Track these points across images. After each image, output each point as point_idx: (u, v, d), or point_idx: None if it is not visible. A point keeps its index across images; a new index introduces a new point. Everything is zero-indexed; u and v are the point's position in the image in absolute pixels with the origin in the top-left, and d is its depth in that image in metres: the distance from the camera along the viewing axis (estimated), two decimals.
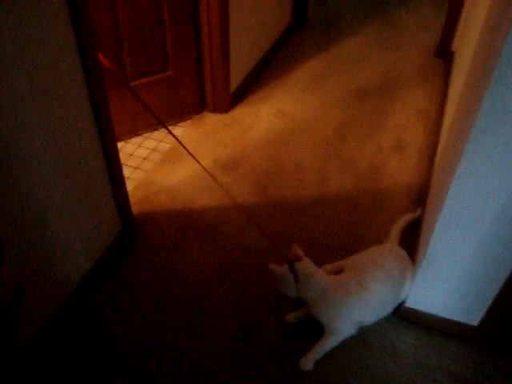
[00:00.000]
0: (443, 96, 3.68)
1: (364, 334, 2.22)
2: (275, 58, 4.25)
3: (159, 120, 2.26)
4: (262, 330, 2.27)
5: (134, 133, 3.39)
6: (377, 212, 2.85)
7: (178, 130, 3.45)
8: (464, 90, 2.42)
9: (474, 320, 2.16)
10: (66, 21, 1.88)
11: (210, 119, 3.57)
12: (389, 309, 2.24)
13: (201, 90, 3.52)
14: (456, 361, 2.16)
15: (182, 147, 2.35)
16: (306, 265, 2.13)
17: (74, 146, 2.10)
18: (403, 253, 2.34)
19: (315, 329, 2.19)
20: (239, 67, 3.65)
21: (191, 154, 2.33)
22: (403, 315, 2.29)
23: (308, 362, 2.11)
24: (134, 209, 2.79)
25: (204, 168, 2.44)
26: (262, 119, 3.58)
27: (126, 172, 3.04)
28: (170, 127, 3.39)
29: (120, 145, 3.30)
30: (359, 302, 2.14)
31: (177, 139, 2.28)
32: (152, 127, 3.42)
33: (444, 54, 4.14)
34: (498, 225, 1.78)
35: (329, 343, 2.15)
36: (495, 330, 2.17)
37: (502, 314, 2.09)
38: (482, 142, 1.60)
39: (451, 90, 3.37)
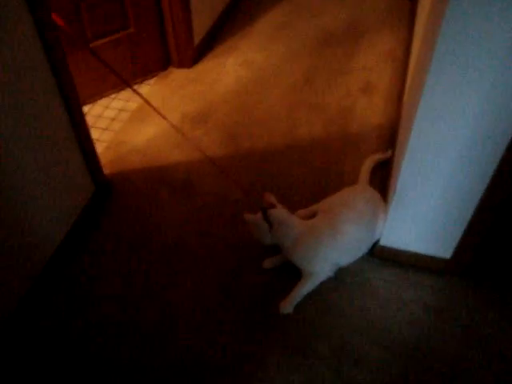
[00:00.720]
0: (409, 36, 3.66)
1: (341, 274, 2.26)
2: (238, 9, 4.16)
3: (123, 80, 2.22)
4: (241, 278, 2.31)
5: (100, 94, 3.33)
6: (348, 154, 2.87)
7: (144, 89, 3.40)
8: (425, 24, 2.41)
9: (447, 253, 2.22)
10: None
11: (176, 74, 3.53)
12: (364, 249, 2.29)
13: (164, 46, 3.46)
14: (431, 293, 2.22)
15: (148, 106, 2.32)
16: (279, 212, 2.15)
17: (37, 114, 2.08)
18: (374, 193, 2.37)
19: (293, 273, 2.23)
20: (202, 20, 3.58)
21: (158, 112, 2.30)
22: (378, 253, 2.34)
23: (287, 306, 2.16)
24: (107, 169, 2.78)
25: (172, 124, 2.42)
26: (228, 71, 3.54)
27: (95, 134, 3.01)
28: (135, 86, 3.36)
29: (87, 107, 3.26)
30: (333, 243, 2.18)
31: (142, 97, 2.25)
32: (118, 87, 3.36)
33: None
34: (463, 156, 1.80)
35: (307, 286, 2.19)
36: (467, 261, 2.23)
37: (472, 245, 2.15)
38: (443, 70, 1.60)
39: (417, 28, 3.35)
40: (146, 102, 2.33)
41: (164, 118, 2.36)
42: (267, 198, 2.18)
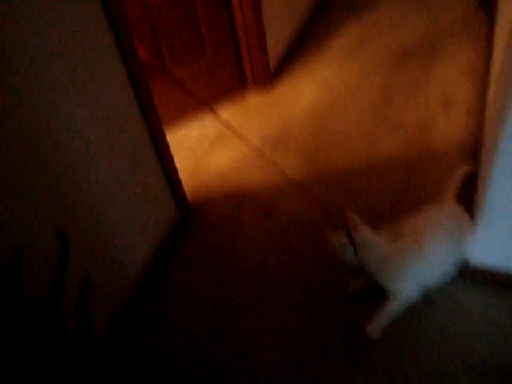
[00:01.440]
0: (489, 47, 3.56)
1: (430, 297, 2.20)
2: (312, 30, 4.20)
3: (205, 103, 2.29)
4: (326, 303, 2.30)
5: (180, 120, 3.42)
6: (430, 171, 2.81)
7: (222, 114, 3.47)
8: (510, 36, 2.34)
9: None
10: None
11: (253, 98, 3.58)
12: (450, 268, 2.22)
13: (241, 71, 3.53)
14: None
15: (228, 131, 2.38)
16: (364, 234, 2.13)
17: (124, 143, 2.18)
18: (460, 209, 2.31)
19: (380, 296, 2.19)
20: (277, 43, 3.64)
21: (238, 134, 2.35)
22: (468, 274, 2.26)
23: (376, 329, 2.12)
24: (190, 197, 2.85)
25: (253, 145, 2.45)
26: (305, 92, 3.56)
27: (178, 163, 3.09)
28: (215, 112, 3.44)
29: (168, 137, 3.35)
30: (420, 263, 2.12)
31: (224, 121, 2.31)
32: (197, 114, 3.44)
33: (486, 3, 3.99)
34: None
35: (393, 308, 2.15)
36: None
37: None
38: None
39: (497, 39, 3.25)
40: (227, 125, 2.39)
41: (244, 140, 2.40)
42: (351, 217, 2.16)
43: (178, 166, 2.67)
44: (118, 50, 2.06)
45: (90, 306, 1.90)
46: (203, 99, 3.37)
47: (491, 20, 3.72)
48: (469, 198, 2.48)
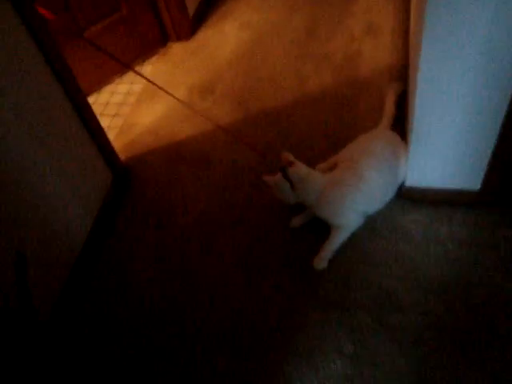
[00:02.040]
0: None
1: (371, 222, 2.23)
2: None
3: (123, 63, 2.21)
4: (271, 241, 2.30)
5: (103, 82, 3.31)
6: (361, 99, 2.80)
7: (146, 68, 3.37)
8: None
9: (476, 185, 2.16)
10: None
11: (176, 49, 3.48)
12: (390, 193, 2.24)
13: (159, 22, 3.40)
14: (465, 228, 2.17)
15: (153, 84, 2.30)
16: (299, 168, 2.12)
17: (43, 112, 2.09)
18: (393, 134, 2.32)
19: (323, 228, 2.20)
20: None
21: (163, 89, 2.28)
22: (406, 195, 2.28)
23: (321, 261, 2.14)
24: (122, 155, 2.77)
25: (177, 98, 2.38)
26: (227, 36, 3.47)
27: (106, 121, 3.00)
28: (137, 67, 3.34)
29: (93, 97, 3.25)
30: (359, 192, 2.14)
31: (145, 78, 2.23)
32: (120, 72, 3.34)
33: None
34: (478, 79, 1.73)
35: (338, 239, 2.16)
36: (497, 190, 2.16)
37: (499, 173, 2.08)
38: None
39: None
40: (150, 81, 2.31)
41: (169, 94, 2.33)
42: (285, 157, 2.14)
43: (105, 124, 2.58)
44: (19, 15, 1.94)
45: (35, 279, 1.85)
46: (124, 55, 3.25)
47: None
48: (402, 121, 2.50)
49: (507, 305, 1.92)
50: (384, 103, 2.57)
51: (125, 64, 2.19)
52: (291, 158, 2.15)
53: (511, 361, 1.77)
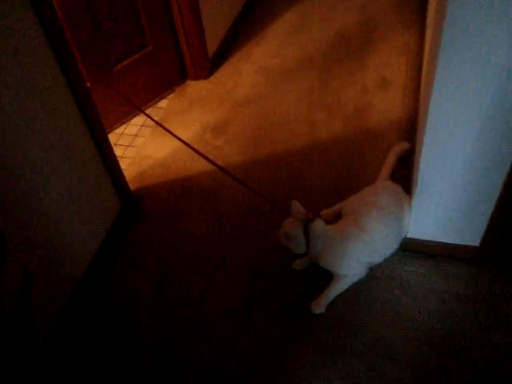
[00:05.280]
0: (422, 29, 3.65)
1: (371, 270, 2.26)
2: (250, 17, 4.20)
3: (136, 106, 2.29)
4: (271, 280, 2.33)
5: (121, 120, 3.37)
6: (369, 150, 2.87)
7: (163, 103, 3.45)
8: (434, 16, 2.41)
9: (475, 240, 2.20)
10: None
11: (193, 87, 3.57)
12: (394, 245, 2.27)
13: (180, 60, 3.51)
14: (463, 282, 2.21)
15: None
16: (318, 225, 2.14)
17: (62, 140, 2.16)
18: (396, 187, 2.36)
19: (324, 272, 2.24)
20: (215, 30, 3.63)
21: (170, 132, 2.38)
22: (406, 247, 2.33)
23: (319, 305, 2.17)
24: (132, 185, 2.83)
25: (182, 141, 2.44)
26: (244, 78, 3.57)
27: (119, 151, 3.07)
28: (155, 101, 3.43)
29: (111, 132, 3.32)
30: (362, 245, 2.17)
31: (155, 121, 2.31)
32: (136, 110, 3.41)
33: None
34: (482, 140, 1.80)
35: (339, 287, 2.20)
36: (496, 247, 2.21)
37: (500, 231, 2.13)
38: (451, 55, 1.61)
39: (428, 21, 3.34)
40: (158, 123, 2.40)
41: (175, 136, 2.41)
42: (305, 213, 2.15)
43: (118, 154, 2.65)
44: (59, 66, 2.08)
45: (36, 300, 1.89)
46: (145, 90, 3.35)
47: (423, 2, 3.82)
48: (407, 176, 2.56)
49: (500, 364, 1.94)
50: (386, 157, 2.64)
51: (137, 106, 2.28)
52: (300, 207, 2.17)
53: None
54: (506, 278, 2.20)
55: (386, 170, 2.55)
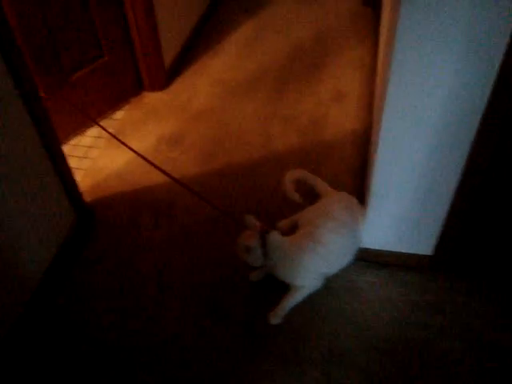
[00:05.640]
0: (376, 42, 3.73)
1: (327, 281, 2.28)
2: (206, 29, 4.21)
3: (91, 118, 2.27)
4: (227, 292, 2.33)
5: (76, 131, 3.32)
6: (324, 162, 2.91)
7: (118, 114, 3.42)
8: (386, 31, 2.47)
9: (428, 249, 2.26)
10: None
11: (149, 98, 3.55)
12: (350, 256, 2.29)
13: (136, 71, 3.49)
14: (417, 290, 2.25)
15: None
16: (276, 237, 2.14)
17: (13, 147, 2.11)
18: (352, 199, 2.39)
19: (281, 283, 2.24)
20: (171, 42, 3.62)
21: (124, 144, 2.36)
22: (362, 256, 2.36)
23: (276, 316, 2.17)
24: (87, 196, 2.79)
25: (137, 153, 2.42)
26: (200, 90, 3.57)
27: (74, 162, 3.01)
28: (111, 112, 3.39)
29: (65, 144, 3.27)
30: (317, 257, 2.17)
31: (109, 133, 2.30)
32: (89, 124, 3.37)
33: (371, 0, 4.17)
34: (432, 151, 1.85)
35: (295, 298, 2.20)
36: (449, 256, 2.26)
37: (452, 239, 2.18)
38: (404, 67, 1.65)
39: (381, 33, 3.42)
40: (113, 136, 2.38)
41: (130, 148, 2.39)
42: (261, 225, 2.14)
43: (73, 165, 2.61)
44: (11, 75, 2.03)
45: None
46: (102, 100, 3.31)
47: (376, 16, 3.90)
48: (362, 186, 2.60)
49: (455, 370, 1.98)
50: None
51: (91, 118, 2.26)
52: (255, 221, 2.16)
53: None
54: (458, 285, 2.26)
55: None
